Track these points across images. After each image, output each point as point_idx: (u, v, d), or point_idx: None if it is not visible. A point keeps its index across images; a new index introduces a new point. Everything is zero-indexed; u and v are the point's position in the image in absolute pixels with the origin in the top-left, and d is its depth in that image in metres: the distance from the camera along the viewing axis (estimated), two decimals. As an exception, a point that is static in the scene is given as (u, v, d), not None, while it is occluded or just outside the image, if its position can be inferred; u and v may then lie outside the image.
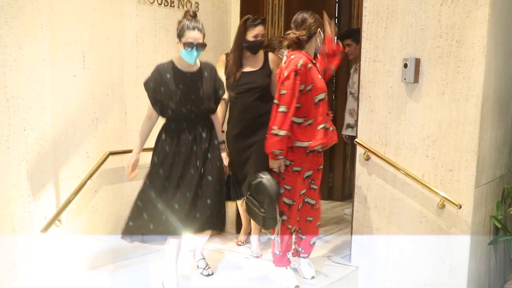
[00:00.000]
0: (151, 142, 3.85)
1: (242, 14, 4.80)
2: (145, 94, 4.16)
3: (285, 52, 4.68)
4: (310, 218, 3.83)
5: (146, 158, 3.94)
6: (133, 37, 4.09)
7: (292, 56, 3.51)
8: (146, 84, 3.53)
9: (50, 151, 3.62)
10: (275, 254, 3.72)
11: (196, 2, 4.55)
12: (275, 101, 3.49)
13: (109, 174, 4.02)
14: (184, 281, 3.74)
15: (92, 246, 3.95)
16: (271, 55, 4.27)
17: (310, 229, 3.86)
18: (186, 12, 3.45)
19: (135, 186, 4.13)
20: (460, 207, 3.56)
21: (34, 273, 3.57)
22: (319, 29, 3.62)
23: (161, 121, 3.68)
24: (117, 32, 3.97)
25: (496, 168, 4.06)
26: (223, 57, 4.29)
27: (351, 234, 4.24)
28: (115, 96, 4.01)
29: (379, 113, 3.97)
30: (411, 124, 3.82)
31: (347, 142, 5.75)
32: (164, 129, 3.57)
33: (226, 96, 4.06)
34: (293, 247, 3.82)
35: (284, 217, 3.64)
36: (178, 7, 4.40)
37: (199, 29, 3.39)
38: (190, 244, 4.01)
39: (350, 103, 5.46)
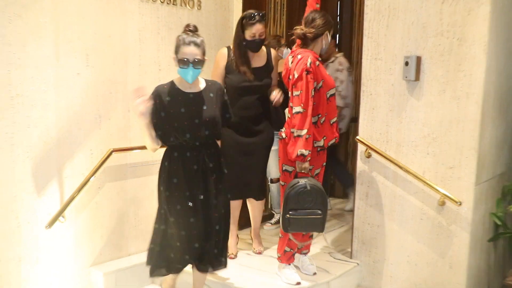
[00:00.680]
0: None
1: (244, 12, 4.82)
2: (148, 91, 4.21)
3: (285, 50, 4.67)
4: None
5: (148, 156, 3.94)
6: (136, 35, 4.09)
7: (300, 56, 3.48)
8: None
9: (54, 148, 3.63)
10: (285, 251, 3.71)
11: (199, 1, 4.55)
12: (290, 104, 3.48)
13: (112, 171, 4.04)
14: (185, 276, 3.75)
15: (95, 241, 3.97)
16: (273, 52, 4.17)
17: None
18: (186, 26, 3.21)
19: (137, 183, 4.20)
20: (460, 204, 3.54)
21: (38, 268, 3.60)
22: (327, 31, 3.56)
23: None
24: (120, 30, 3.98)
25: (496, 165, 4.05)
26: (225, 51, 4.08)
27: (352, 230, 4.24)
28: (118, 94, 4.02)
29: (380, 111, 3.97)
30: (412, 121, 3.80)
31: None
32: (167, 156, 3.28)
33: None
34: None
35: None
36: (181, 5, 4.40)
37: (196, 44, 3.11)
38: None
39: None
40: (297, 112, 3.40)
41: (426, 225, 3.79)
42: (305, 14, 3.65)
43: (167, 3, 4.30)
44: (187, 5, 4.45)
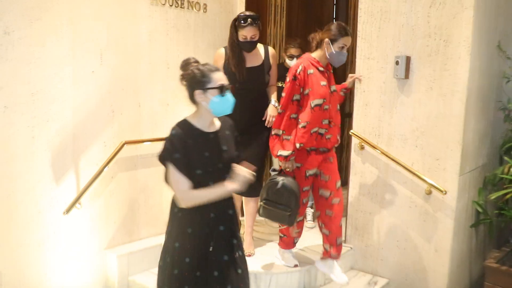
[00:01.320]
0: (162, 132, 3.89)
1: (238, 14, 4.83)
2: (157, 88, 4.22)
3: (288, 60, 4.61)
4: (330, 212, 3.56)
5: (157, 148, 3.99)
6: (146, 36, 4.09)
7: (298, 61, 3.46)
8: (168, 156, 2.51)
9: (71, 141, 3.66)
10: (283, 237, 3.72)
11: (205, 4, 4.54)
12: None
13: (124, 162, 4.05)
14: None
15: (109, 226, 4.01)
16: (271, 50, 3.96)
17: (332, 225, 3.59)
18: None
19: (147, 173, 4.22)
20: (446, 193, 3.58)
21: (57, 251, 3.65)
22: (327, 39, 3.33)
23: None
24: (131, 32, 3.98)
25: (479, 157, 4.07)
26: (222, 51, 3.90)
27: (346, 217, 4.23)
28: (130, 90, 4.03)
29: (372, 107, 3.98)
30: (402, 116, 3.82)
31: None
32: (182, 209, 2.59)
33: None
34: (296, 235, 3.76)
35: (299, 218, 3.54)
36: (188, 8, 4.39)
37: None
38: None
39: None
40: (278, 112, 3.46)
41: (414, 212, 3.82)
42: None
43: (175, 6, 4.29)
44: (194, 8, 4.45)
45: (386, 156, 3.87)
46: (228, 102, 2.57)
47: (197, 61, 2.64)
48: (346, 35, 3.34)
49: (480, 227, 4.28)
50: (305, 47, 4.25)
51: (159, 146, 4.25)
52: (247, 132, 3.78)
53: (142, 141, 4.12)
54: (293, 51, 4.57)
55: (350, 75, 3.63)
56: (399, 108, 3.83)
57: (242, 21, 3.63)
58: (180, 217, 2.60)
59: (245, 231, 4.11)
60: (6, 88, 3.24)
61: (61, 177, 3.62)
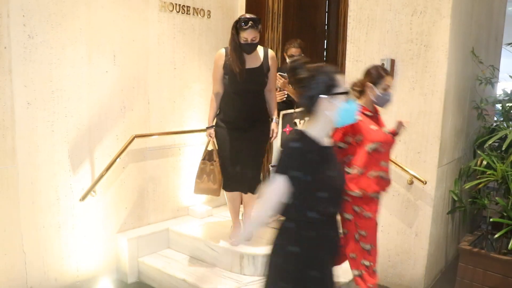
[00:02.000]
0: (175, 126, 3.94)
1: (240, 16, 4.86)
2: (164, 87, 4.29)
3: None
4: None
5: (164, 141, 4.04)
6: (155, 39, 4.15)
7: None
8: (284, 171, 1.97)
9: (87, 134, 3.73)
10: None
11: (209, 11, 4.60)
12: None
13: (134, 153, 4.12)
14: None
15: (120, 212, 4.09)
16: (270, 52, 3.76)
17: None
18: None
19: (155, 164, 4.30)
20: (426, 183, 3.64)
21: (74, 233, 3.75)
22: (369, 83, 2.91)
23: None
24: (142, 35, 4.05)
25: (455, 151, 4.15)
26: (222, 51, 3.72)
27: None
28: (140, 89, 4.09)
29: None
30: (387, 114, 3.70)
31: None
32: (297, 239, 2.04)
33: (220, 90, 3.73)
34: None
35: (366, 263, 2.92)
36: (193, 14, 4.45)
37: None
38: None
39: None
40: None
41: (397, 201, 3.88)
42: None
43: (182, 13, 4.34)
44: (199, 14, 4.50)
45: (372, 149, 3.94)
46: (354, 109, 2.07)
47: (308, 61, 2.08)
48: (387, 75, 2.95)
49: (456, 213, 4.36)
50: (304, 48, 4.34)
51: (167, 140, 4.36)
52: (244, 131, 3.71)
53: (151, 135, 4.18)
54: (293, 50, 4.36)
55: (397, 120, 3.12)
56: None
57: (243, 24, 3.48)
58: (302, 256, 2.04)
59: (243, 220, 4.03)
60: (29, 86, 3.33)
61: (77, 167, 3.70)
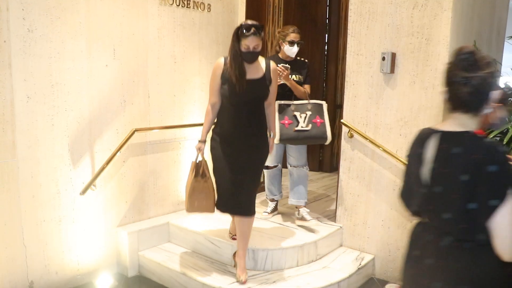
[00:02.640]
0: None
1: (247, 14, 4.81)
2: (164, 81, 4.28)
3: (286, 46, 4.10)
4: None
5: (164, 135, 4.03)
6: (155, 33, 4.15)
7: None
8: None
9: (87, 128, 3.74)
10: None
11: (209, 4, 4.59)
12: None
13: (135, 147, 4.13)
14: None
15: (120, 206, 4.10)
16: (272, 64, 3.50)
17: None
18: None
19: (156, 157, 4.30)
20: None
21: (75, 227, 3.76)
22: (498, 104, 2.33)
23: None
24: (142, 29, 4.04)
25: None
26: (221, 60, 3.43)
27: (337, 199, 4.32)
28: (140, 82, 4.10)
29: (361, 98, 4.01)
30: (388, 107, 3.87)
31: None
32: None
33: (217, 101, 3.45)
34: None
35: None
36: (193, 8, 4.44)
37: None
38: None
39: None
40: None
41: (398, 195, 3.90)
42: None
43: (182, 6, 4.34)
44: (199, 8, 4.49)
45: (373, 143, 3.93)
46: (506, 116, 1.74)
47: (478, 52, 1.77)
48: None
49: (457, 208, 4.35)
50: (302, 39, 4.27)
51: (167, 133, 4.35)
52: (242, 146, 3.43)
53: (151, 129, 4.19)
54: (293, 36, 4.11)
55: None
56: (385, 100, 3.88)
57: (245, 30, 3.22)
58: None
59: (237, 253, 3.63)
60: (29, 80, 3.34)
61: (78, 160, 3.71)
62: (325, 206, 4.99)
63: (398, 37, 3.75)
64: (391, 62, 3.77)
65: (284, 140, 4.05)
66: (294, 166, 4.32)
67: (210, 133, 3.56)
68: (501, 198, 1.61)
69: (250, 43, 3.24)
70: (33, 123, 3.41)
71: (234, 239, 3.92)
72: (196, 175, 3.54)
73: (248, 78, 3.35)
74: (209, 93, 3.50)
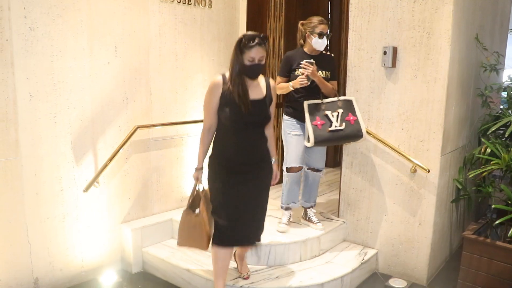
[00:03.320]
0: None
1: (248, 10, 4.80)
2: (166, 77, 4.28)
3: (315, 39, 3.78)
4: None
5: (167, 131, 4.05)
6: (157, 30, 4.16)
7: None
8: None
9: (89, 126, 3.76)
10: None
11: (210, 0, 4.58)
12: None
13: (137, 144, 4.14)
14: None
15: (124, 203, 4.12)
16: (272, 82, 3.17)
17: None
18: None
19: (159, 154, 4.31)
20: (429, 172, 3.65)
21: (78, 224, 3.79)
22: None
23: None
24: (143, 26, 4.05)
25: (459, 139, 4.14)
26: (219, 79, 3.00)
27: (339, 194, 4.32)
28: (142, 80, 4.11)
29: (363, 93, 4.01)
30: (389, 102, 3.86)
31: None
32: None
33: (214, 125, 3.08)
34: None
35: None
36: (195, 4, 4.44)
37: None
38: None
39: None
40: None
41: (400, 189, 3.89)
42: None
43: (183, 3, 4.34)
44: (200, 4, 4.49)
45: (375, 138, 3.92)
46: None
47: None
48: None
49: (460, 202, 4.37)
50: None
51: (169, 130, 4.36)
52: (246, 173, 3.09)
53: (153, 126, 4.20)
54: (322, 27, 3.79)
55: None
56: (386, 94, 3.88)
57: (249, 41, 2.87)
58: None
59: (237, 254, 3.61)
60: (31, 79, 3.36)
61: (81, 158, 3.73)
62: (328, 201, 5.00)
63: (400, 31, 3.75)
64: (392, 56, 3.76)
65: (319, 142, 3.69)
66: (313, 169, 4.10)
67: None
68: None
69: (256, 54, 2.89)
70: (36, 121, 3.43)
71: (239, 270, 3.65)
72: (190, 207, 3.24)
73: (251, 98, 3.00)
74: (204, 114, 3.11)
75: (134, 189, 4.19)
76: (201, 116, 4.53)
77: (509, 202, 3.53)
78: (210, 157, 3.18)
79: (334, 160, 6.68)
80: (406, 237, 3.93)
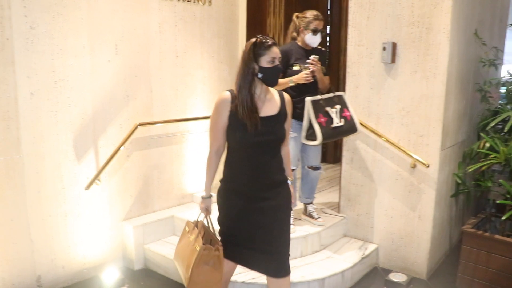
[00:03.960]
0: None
1: (248, 7, 4.80)
2: (167, 75, 4.30)
3: (309, 35, 3.73)
4: None
5: (168, 129, 4.06)
6: (157, 27, 4.16)
7: None
8: None
9: (90, 123, 3.77)
10: None
11: None
12: None
13: (138, 142, 4.15)
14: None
15: (125, 200, 4.14)
16: (286, 96, 2.67)
17: None
18: None
19: (160, 151, 4.33)
20: (428, 167, 3.67)
21: (80, 221, 3.80)
22: None
23: None
24: (143, 24, 4.05)
25: (458, 134, 4.15)
26: (227, 96, 2.54)
27: (340, 189, 4.33)
28: (143, 77, 4.11)
29: (363, 89, 4.02)
30: (389, 97, 3.87)
31: None
32: None
33: (222, 147, 2.67)
34: None
35: None
36: (194, 2, 4.44)
37: None
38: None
39: None
40: None
41: (400, 184, 3.90)
42: None
43: (183, 0, 4.34)
44: (200, 2, 4.49)
45: (375, 133, 3.94)
46: None
47: None
48: None
49: (460, 196, 4.38)
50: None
51: (170, 127, 4.35)
52: (263, 199, 2.59)
53: (154, 123, 4.21)
54: (317, 23, 3.71)
55: None
56: (386, 90, 3.89)
57: (264, 42, 2.50)
58: None
59: None
60: (32, 77, 3.37)
61: (82, 156, 3.74)
62: (328, 197, 5.00)
63: (399, 27, 3.76)
64: (392, 52, 3.77)
65: (325, 140, 3.57)
66: (312, 168, 4.04)
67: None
68: None
69: (275, 54, 2.51)
70: (37, 120, 3.44)
71: None
72: (205, 242, 2.67)
73: (262, 115, 2.55)
74: (210, 135, 2.66)
75: (135, 187, 4.20)
76: (201, 113, 4.56)
77: (508, 196, 3.55)
78: (220, 181, 2.76)
79: (334, 156, 6.69)
80: (406, 232, 3.95)
